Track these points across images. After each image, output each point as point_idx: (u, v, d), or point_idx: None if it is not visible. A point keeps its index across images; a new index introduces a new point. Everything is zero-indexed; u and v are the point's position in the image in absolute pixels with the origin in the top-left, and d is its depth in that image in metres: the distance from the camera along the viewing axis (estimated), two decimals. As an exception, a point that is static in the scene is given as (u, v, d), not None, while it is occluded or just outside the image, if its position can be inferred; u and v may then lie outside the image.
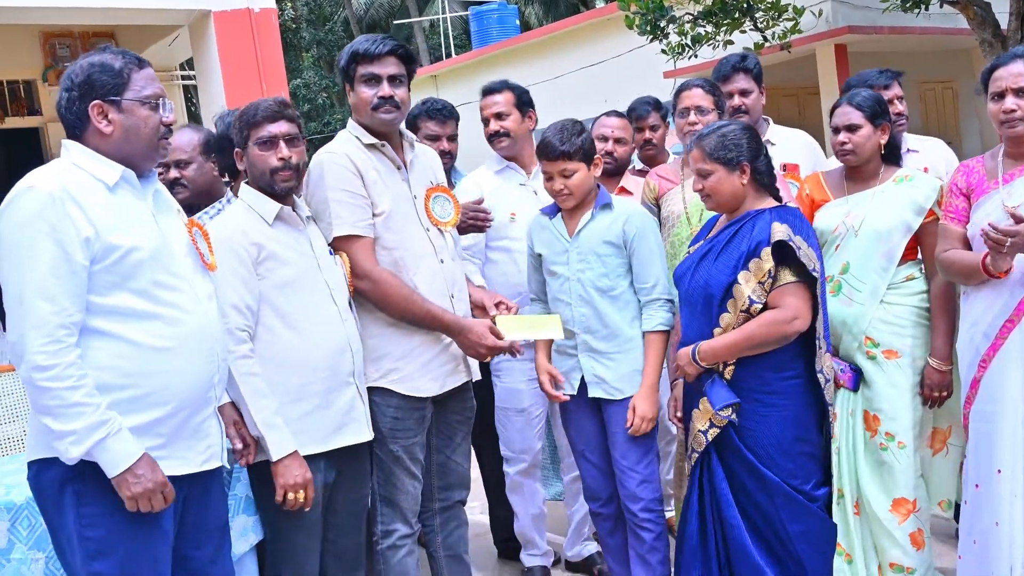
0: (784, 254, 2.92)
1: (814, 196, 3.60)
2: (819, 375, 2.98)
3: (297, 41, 27.27)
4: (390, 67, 3.12)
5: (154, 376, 2.36)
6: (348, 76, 3.17)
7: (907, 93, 4.12)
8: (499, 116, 3.95)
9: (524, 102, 4.00)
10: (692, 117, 3.73)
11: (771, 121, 4.18)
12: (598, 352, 3.35)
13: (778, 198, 3.12)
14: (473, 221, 3.68)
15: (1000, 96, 3.11)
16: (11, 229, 2.27)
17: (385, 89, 3.10)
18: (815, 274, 2.93)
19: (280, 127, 2.91)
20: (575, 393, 3.42)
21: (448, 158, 4.08)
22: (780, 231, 2.92)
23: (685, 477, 3.30)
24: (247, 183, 2.99)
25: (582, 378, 3.38)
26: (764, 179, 3.08)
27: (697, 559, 3.06)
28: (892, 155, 3.53)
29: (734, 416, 2.98)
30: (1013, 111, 3.08)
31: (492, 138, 3.98)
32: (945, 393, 3.40)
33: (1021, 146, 3.15)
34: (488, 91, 4.02)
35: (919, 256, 3.46)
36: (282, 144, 2.90)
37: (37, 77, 8.06)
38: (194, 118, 12.12)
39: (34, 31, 7.75)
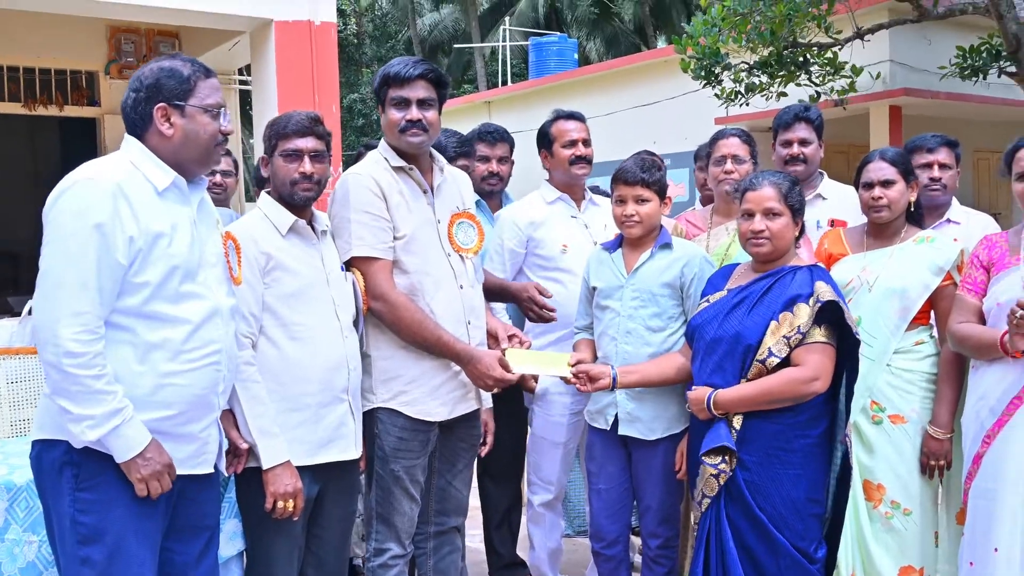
0: (825, 315, 2.92)
1: (832, 251, 3.57)
2: (844, 443, 2.98)
3: (359, 56, 27.62)
4: (420, 91, 3.16)
5: (165, 378, 2.43)
6: (380, 98, 3.22)
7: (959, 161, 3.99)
8: (586, 142, 3.95)
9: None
10: (728, 166, 3.75)
11: (825, 175, 4.13)
12: (636, 391, 3.35)
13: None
14: (539, 315, 3.64)
15: (1023, 178, 3.13)
16: (65, 217, 2.34)
17: (413, 112, 3.14)
18: (859, 337, 2.94)
19: (308, 143, 2.97)
20: (608, 429, 3.43)
21: (497, 179, 4.23)
22: (827, 291, 2.93)
23: (692, 529, 3.28)
24: (267, 192, 3.05)
25: (616, 415, 3.40)
26: (800, 237, 3.15)
27: None
28: (916, 215, 3.51)
29: (724, 466, 2.97)
30: None
31: (577, 161, 3.91)
32: (943, 462, 3.32)
33: None
34: (573, 116, 4.00)
35: (930, 321, 3.43)
36: (307, 159, 2.96)
37: (100, 69, 8.22)
38: (249, 123, 12.28)
39: (101, 24, 7.91)
